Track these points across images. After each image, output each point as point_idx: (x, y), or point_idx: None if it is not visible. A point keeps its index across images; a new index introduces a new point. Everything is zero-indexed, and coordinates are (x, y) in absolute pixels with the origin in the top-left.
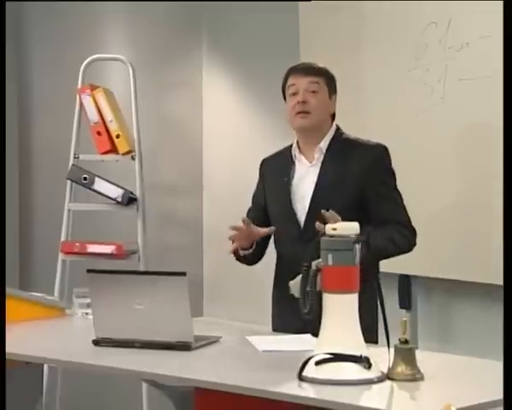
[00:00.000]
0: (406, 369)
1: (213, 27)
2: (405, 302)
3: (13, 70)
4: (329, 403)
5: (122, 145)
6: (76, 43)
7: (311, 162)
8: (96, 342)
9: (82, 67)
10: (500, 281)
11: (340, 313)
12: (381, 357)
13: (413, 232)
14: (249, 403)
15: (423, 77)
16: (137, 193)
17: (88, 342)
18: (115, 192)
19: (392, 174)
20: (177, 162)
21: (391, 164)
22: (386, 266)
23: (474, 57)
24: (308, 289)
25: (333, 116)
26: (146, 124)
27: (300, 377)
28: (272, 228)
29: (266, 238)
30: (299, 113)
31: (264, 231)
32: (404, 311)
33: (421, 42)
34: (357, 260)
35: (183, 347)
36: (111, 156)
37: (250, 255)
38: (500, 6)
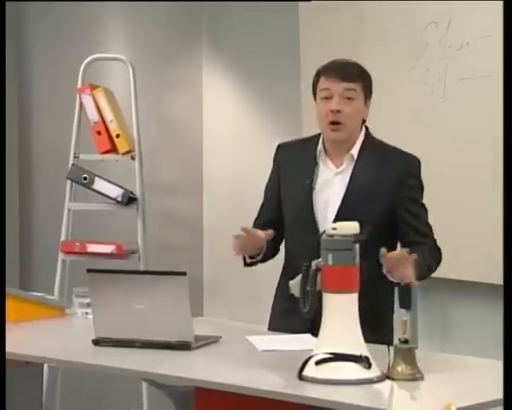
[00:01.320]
0: (406, 369)
1: (213, 27)
2: (405, 302)
3: (13, 70)
4: (329, 403)
5: (122, 145)
6: (76, 43)
7: (337, 168)
8: (96, 342)
9: (82, 67)
10: (500, 281)
11: (340, 313)
12: (381, 357)
13: (438, 249)
14: (249, 403)
15: (423, 76)
16: (137, 193)
17: (88, 341)
18: (115, 192)
19: (422, 189)
20: (177, 162)
21: (421, 178)
22: None
23: (474, 57)
24: (308, 288)
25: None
26: (146, 124)
27: (300, 377)
28: (271, 232)
29: (278, 237)
30: (331, 123)
31: (267, 234)
32: (403, 311)
33: (422, 41)
34: (357, 259)
35: (183, 346)
36: (111, 156)
37: (260, 260)
38: (500, 6)
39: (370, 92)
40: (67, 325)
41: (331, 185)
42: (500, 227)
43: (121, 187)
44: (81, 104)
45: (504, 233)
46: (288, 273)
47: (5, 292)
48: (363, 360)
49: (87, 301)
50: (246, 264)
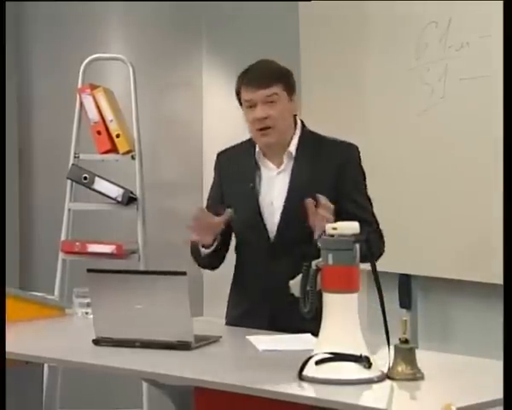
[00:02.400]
0: (406, 368)
1: (213, 27)
2: (405, 302)
3: (13, 70)
4: (329, 403)
5: (122, 145)
6: (76, 43)
7: (278, 167)
8: (96, 342)
9: (82, 67)
10: (500, 281)
11: (341, 313)
12: (381, 356)
13: (381, 236)
14: (249, 403)
15: (423, 76)
16: (137, 193)
17: (88, 341)
18: (115, 192)
19: (364, 176)
20: (177, 162)
21: (361, 165)
22: (386, 265)
23: (474, 57)
24: (308, 288)
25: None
26: (146, 123)
27: (300, 377)
28: (229, 210)
29: (227, 238)
30: (260, 129)
31: (222, 218)
32: (404, 310)
33: (422, 41)
34: (358, 259)
35: (183, 346)
36: (111, 156)
37: (212, 255)
38: (500, 6)
39: (293, 87)
40: (67, 324)
41: (274, 186)
42: (500, 227)
43: (121, 187)
44: (81, 104)
45: (504, 233)
46: (239, 281)
47: (5, 292)
48: (363, 360)
49: (87, 301)
50: (198, 260)
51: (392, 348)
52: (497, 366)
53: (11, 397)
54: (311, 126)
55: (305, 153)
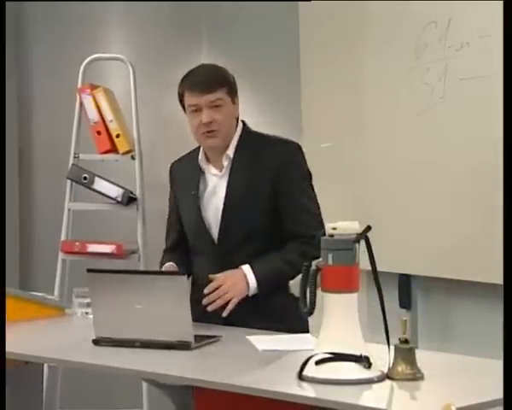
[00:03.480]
0: (406, 368)
1: (213, 27)
2: (405, 302)
3: (12, 70)
4: (329, 403)
5: (122, 145)
6: (76, 43)
7: (220, 171)
8: (96, 342)
9: (82, 67)
10: (500, 280)
11: (340, 313)
12: (381, 357)
13: (317, 243)
14: (249, 403)
15: (423, 76)
16: (137, 193)
17: (88, 341)
18: (115, 192)
19: (307, 175)
20: None
21: (305, 163)
22: (386, 265)
23: (474, 57)
24: (308, 288)
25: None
26: (146, 123)
27: (300, 377)
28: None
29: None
30: (205, 132)
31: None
32: (404, 310)
33: (421, 41)
34: (358, 259)
35: (183, 346)
36: (111, 156)
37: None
38: (500, 6)
39: (236, 91)
40: (67, 324)
41: (218, 190)
42: (500, 227)
43: (121, 187)
44: (81, 104)
45: (504, 233)
46: (196, 286)
47: (5, 292)
48: (363, 360)
49: (87, 301)
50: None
51: (392, 348)
52: (497, 366)
53: (11, 397)
54: (311, 126)
55: (243, 154)
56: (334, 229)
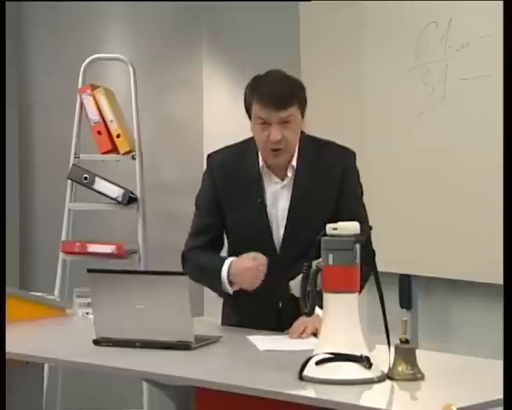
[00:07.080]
0: (407, 368)
1: (213, 27)
2: (406, 302)
3: (13, 70)
4: (329, 403)
5: (122, 145)
6: (76, 43)
7: (283, 180)
8: (97, 342)
9: (82, 67)
10: (500, 280)
11: (341, 313)
12: (382, 357)
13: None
14: (249, 403)
15: (423, 76)
16: (138, 193)
17: (88, 341)
18: (115, 192)
19: (361, 185)
20: (177, 162)
21: (358, 171)
22: (386, 265)
23: (474, 57)
24: (309, 288)
25: None
26: (146, 124)
27: (301, 377)
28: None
29: (219, 246)
30: (272, 150)
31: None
32: (404, 310)
33: (422, 41)
34: (358, 259)
35: (184, 347)
36: (111, 156)
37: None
38: (500, 6)
39: (305, 103)
40: (68, 325)
41: (279, 200)
42: (500, 227)
43: (121, 187)
44: (82, 104)
45: (504, 233)
46: (247, 296)
47: (5, 292)
48: (363, 360)
49: (87, 301)
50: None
51: (392, 348)
52: (497, 366)
53: (11, 397)
54: (311, 126)
55: (305, 163)
56: (334, 229)
